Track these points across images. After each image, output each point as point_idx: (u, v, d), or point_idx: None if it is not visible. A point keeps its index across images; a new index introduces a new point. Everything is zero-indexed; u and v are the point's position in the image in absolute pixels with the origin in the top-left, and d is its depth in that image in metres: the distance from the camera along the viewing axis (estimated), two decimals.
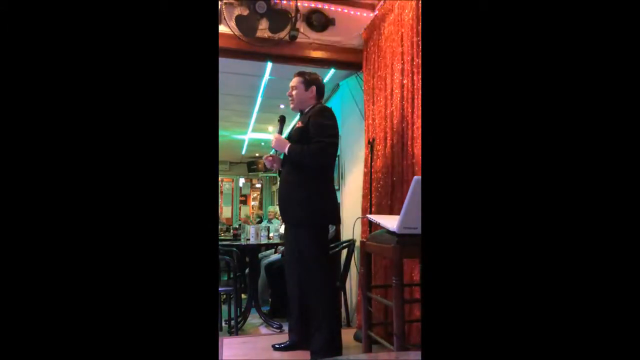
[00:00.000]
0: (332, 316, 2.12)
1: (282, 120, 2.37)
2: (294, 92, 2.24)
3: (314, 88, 2.22)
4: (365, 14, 2.95)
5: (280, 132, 2.31)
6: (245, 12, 2.69)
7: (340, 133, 3.70)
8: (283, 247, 3.62)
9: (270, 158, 2.32)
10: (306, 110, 2.24)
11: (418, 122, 2.10)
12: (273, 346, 2.35)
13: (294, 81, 2.26)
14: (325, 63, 3.06)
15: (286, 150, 2.13)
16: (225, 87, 3.83)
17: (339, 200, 3.47)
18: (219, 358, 2.15)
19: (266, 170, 8.87)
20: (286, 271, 2.34)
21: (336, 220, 2.32)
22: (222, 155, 8.22)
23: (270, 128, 5.98)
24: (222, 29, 2.65)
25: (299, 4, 2.80)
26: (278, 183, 2.41)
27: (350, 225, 2.96)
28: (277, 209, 5.57)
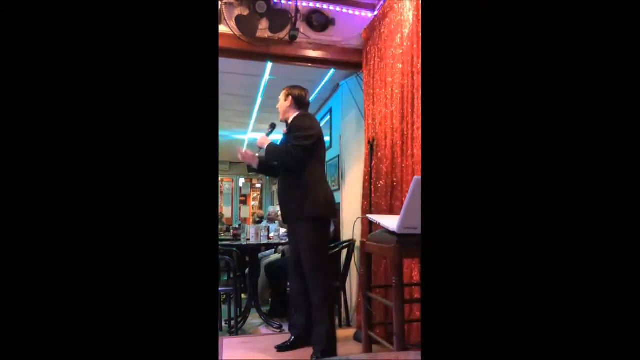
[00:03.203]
0: (330, 307, 2.28)
1: (272, 127, 2.59)
2: (278, 105, 2.49)
3: (290, 98, 2.44)
4: (365, 14, 2.95)
5: (267, 135, 2.53)
6: (245, 12, 2.69)
7: (340, 133, 3.71)
8: (283, 247, 3.63)
9: (244, 152, 2.57)
10: (290, 119, 2.45)
11: (418, 122, 2.10)
12: (276, 347, 2.36)
13: (280, 95, 2.50)
14: (325, 63, 3.06)
15: (263, 149, 2.39)
16: (225, 87, 3.83)
17: (339, 200, 3.48)
18: (219, 358, 2.15)
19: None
20: (291, 267, 2.44)
21: (334, 213, 2.45)
22: (222, 155, 8.21)
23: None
24: (222, 29, 2.65)
25: (299, 4, 2.80)
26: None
27: (350, 225, 2.96)
28: (276, 209, 5.56)
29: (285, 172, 2.38)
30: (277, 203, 2.58)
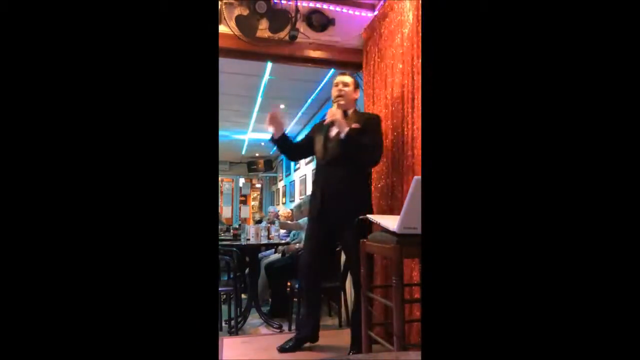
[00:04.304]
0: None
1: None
2: (346, 89, 2.27)
3: (358, 90, 2.35)
4: (365, 14, 2.95)
5: None
6: (245, 12, 2.69)
7: None
8: (283, 247, 3.63)
9: (276, 116, 2.32)
10: (350, 111, 2.28)
11: (418, 122, 2.10)
12: (278, 348, 2.33)
13: (346, 79, 2.30)
14: (325, 63, 3.06)
15: (344, 132, 2.06)
16: (225, 87, 3.84)
17: None
18: (219, 358, 2.15)
19: (266, 170, 8.85)
20: (307, 261, 2.32)
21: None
22: (222, 155, 8.23)
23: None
24: (222, 29, 2.65)
25: (299, 4, 2.80)
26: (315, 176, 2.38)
27: None
28: (276, 209, 5.55)
29: (353, 169, 2.18)
30: (321, 197, 2.26)
